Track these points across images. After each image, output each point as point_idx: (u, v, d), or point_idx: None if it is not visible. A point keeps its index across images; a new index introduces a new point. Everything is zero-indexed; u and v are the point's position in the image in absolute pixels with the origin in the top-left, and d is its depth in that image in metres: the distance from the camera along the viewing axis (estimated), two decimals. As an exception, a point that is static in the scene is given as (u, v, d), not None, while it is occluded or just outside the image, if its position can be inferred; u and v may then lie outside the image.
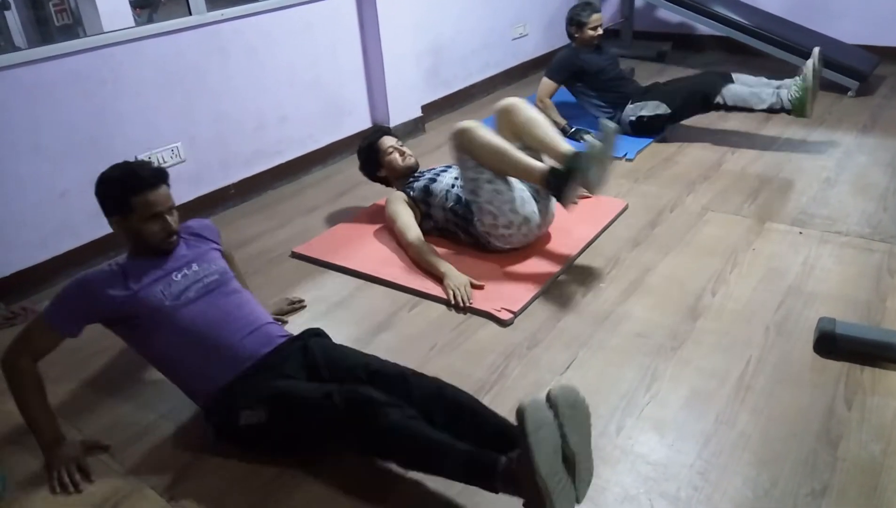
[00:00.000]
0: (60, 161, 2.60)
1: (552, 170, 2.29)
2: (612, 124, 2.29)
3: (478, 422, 1.58)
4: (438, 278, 2.42)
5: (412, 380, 1.67)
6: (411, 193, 2.70)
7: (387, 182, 2.90)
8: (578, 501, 1.42)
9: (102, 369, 2.14)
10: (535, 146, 2.46)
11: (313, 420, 1.60)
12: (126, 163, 1.82)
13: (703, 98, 3.45)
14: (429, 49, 4.11)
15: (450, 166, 2.76)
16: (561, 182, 2.26)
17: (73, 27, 4.06)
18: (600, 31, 3.72)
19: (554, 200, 2.51)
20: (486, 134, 2.37)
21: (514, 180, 2.45)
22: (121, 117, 2.75)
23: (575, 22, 3.71)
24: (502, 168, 2.38)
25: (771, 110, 3.35)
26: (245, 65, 3.17)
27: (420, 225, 2.65)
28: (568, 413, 1.40)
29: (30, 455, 1.78)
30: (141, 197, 1.74)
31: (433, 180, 2.67)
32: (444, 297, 2.34)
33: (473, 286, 2.38)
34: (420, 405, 1.59)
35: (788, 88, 3.28)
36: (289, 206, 3.23)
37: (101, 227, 2.76)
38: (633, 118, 3.59)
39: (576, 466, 1.40)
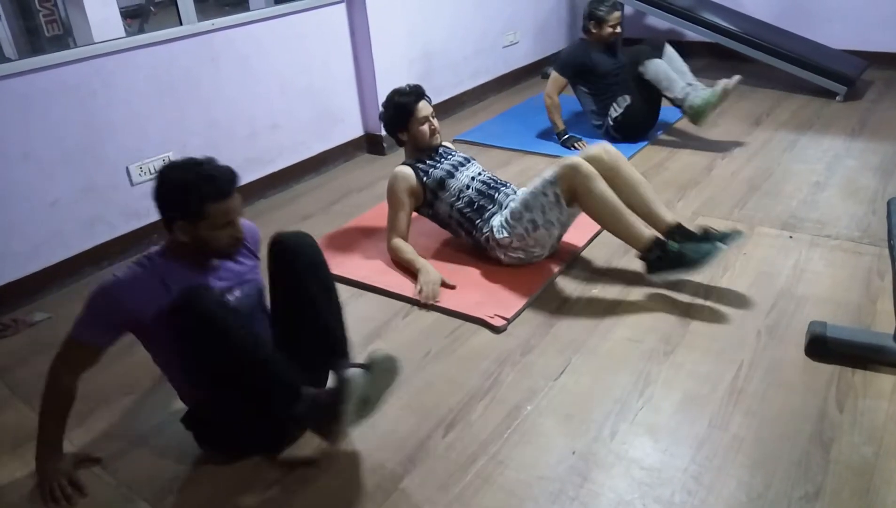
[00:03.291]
0: (51, 171, 2.59)
1: (659, 243, 2.23)
2: (742, 230, 2.26)
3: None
4: (415, 276, 2.45)
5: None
6: (424, 178, 2.59)
7: (401, 144, 2.75)
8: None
9: (94, 381, 2.11)
10: (634, 206, 2.35)
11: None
12: (196, 163, 1.61)
13: (635, 72, 3.47)
14: (420, 56, 4.13)
15: (469, 159, 2.71)
16: (665, 264, 2.22)
17: (64, 38, 4.06)
18: (619, 30, 3.65)
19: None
20: (603, 186, 2.26)
21: (566, 216, 2.39)
22: (112, 126, 2.75)
23: (594, 17, 3.59)
24: (608, 225, 2.31)
25: (673, 102, 3.45)
26: (236, 74, 3.17)
27: (418, 208, 2.64)
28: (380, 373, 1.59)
29: (22, 468, 1.76)
30: (220, 205, 1.59)
31: (450, 175, 2.58)
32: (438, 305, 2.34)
33: (445, 286, 2.39)
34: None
35: (697, 92, 3.37)
36: (281, 214, 3.23)
37: (93, 237, 2.77)
38: (611, 123, 3.62)
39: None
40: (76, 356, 1.63)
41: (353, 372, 1.57)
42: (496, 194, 2.55)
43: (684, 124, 3.72)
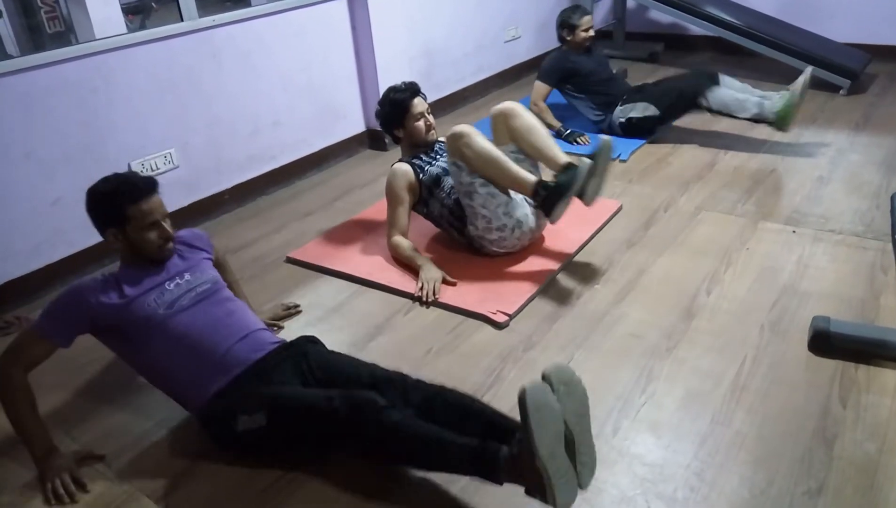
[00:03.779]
0: (53, 169, 2.59)
1: (542, 184, 2.29)
2: (607, 137, 2.29)
3: (480, 418, 1.58)
4: (416, 272, 2.45)
5: (412, 382, 1.69)
6: (421, 174, 2.61)
7: (397, 141, 2.79)
8: (581, 487, 1.42)
9: (96, 378, 2.13)
10: (531, 154, 2.47)
11: (314, 423, 1.60)
12: (115, 175, 1.82)
13: (689, 100, 3.46)
14: (421, 52, 4.12)
15: None
16: (552, 197, 2.27)
17: (66, 34, 4.06)
18: (592, 33, 3.74)
19: None
20: (482, 141, 2.34)
21: (487, 184, 2.42)
22: (113, 124, 2.75)
23: (566, 25, 3.73)
24: (494, 178, 2.37)
25: (754, 120, 3.38)
26: (238, 70, 3.16)
27: (414, 206, 2.65)
28: (563, 390, 1.42)
29: (22, 466, 1.76)
30: (137, 206, 1.75)
31: (446, 172, 2.59)
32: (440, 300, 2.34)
33: (446, 282, 2.40)
34: (421, 406, 1.60)
35: (773, 101, 3.31)
36: (283, 211, 3.23)
37: (94, 235, 2.75)
38: (622, 120, 3.61)
39: (576, 449, 1.40)
40: (29, 348, 1.72)
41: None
42: None
43: (686, 119, 3.68)
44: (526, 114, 2.51)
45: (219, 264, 2.08)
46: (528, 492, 1.43)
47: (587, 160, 2.27)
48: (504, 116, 2.52)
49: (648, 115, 3.53)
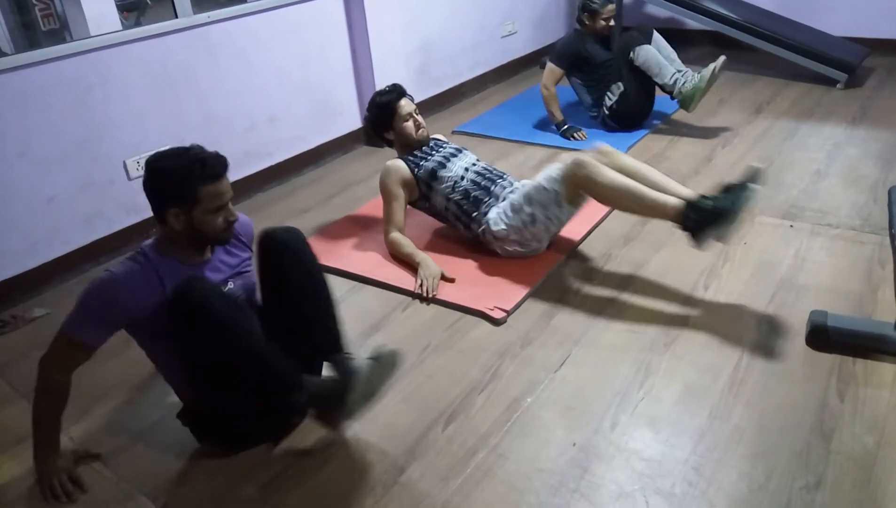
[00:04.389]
0: (48, 166, 2.58)
1: (693, 206, 2.06)
2: (758, 165, 2.14)
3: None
4: (414, 269, 2.45)
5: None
6: (416, 170, 2.59)
7: (390, 144, 2.77)
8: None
9: (93, 376, 2.12)
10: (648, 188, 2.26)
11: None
12: (184, 149, 1.61)
13: (626, 57, 3.49)
14: (418, 48, 4.11)
15: (460, 150, 2.70)
16: (706, 221, 2.02)
17: (60, 31, 4.04)
18: (612, 24, 3.68)
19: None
20: (608, 172, 2.21)
21: (566, 215, 2.40)
22: (109, 121, 2.74)
23: (588, 9, 3.63)
24: (630, 208, 2.23)
25: (663, 89, 3.49)
26: (234, 66, 3.15)
27: (415, 203, 2.64)
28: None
29: (22, 465, 1.76)
30: (212, 187, 1.58)
31: (442, 165, 2.58)
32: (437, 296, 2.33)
33: (445, 279, 2.39)
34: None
35: (686, 79, 3.41)
36: (280, 208, 3.22)
37: (90, 233, 2.77)
38: (607, 112, 3.62)
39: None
40: (67, 353, 1.60)
41: (356, 363, 1.63)
42: (492, 186, 2.54)
43: (683, 114, 3.70)
44: (629, 158, 2.38)
45: None
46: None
47: (752, 186, 2.04)
48: (604, 160, 2.32)
49: (621, 92, 3.55)
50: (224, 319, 1.55)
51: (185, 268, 1.66)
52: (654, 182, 2.26)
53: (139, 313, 1.59)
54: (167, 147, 1.67)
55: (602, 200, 2.28)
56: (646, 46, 3.45)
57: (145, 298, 1.58)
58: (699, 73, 3.40)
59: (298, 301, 1.76)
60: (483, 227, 2.49)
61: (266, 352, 1.60)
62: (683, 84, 3.40)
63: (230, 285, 1.75)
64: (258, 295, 1.85)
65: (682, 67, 3.50)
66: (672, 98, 3.50)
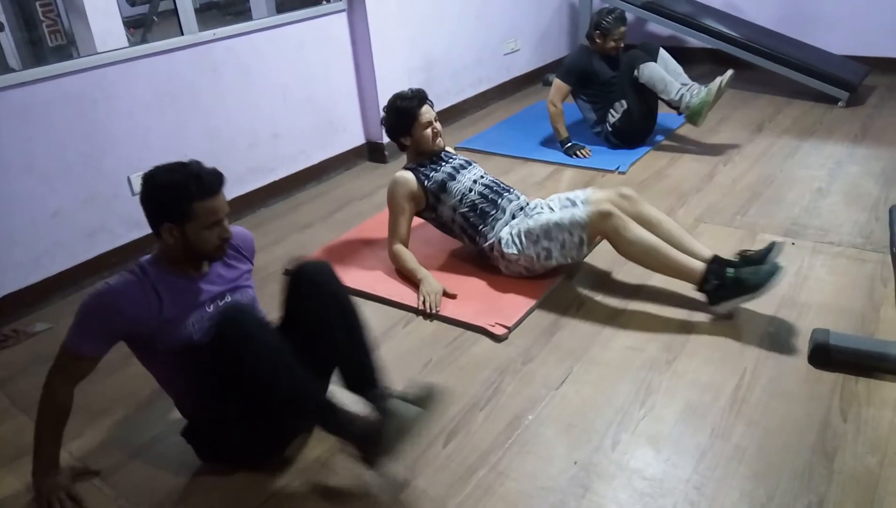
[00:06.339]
0: (53, 181, 2.60)
1: (715, 272, 2.13)
2: (782, 240, 2.19)
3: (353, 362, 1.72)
4: (416, 285, 2.46)
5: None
6: (425, 181, 2.56)
7: (403, 149, 2.72)
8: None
9: (92, 392, 2.11)
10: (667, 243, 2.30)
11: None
12: (181, 164, 1.61)
13: (630, 75, 3.51)
14: (421, 65, 4.14)
15: (470, 163, 2.70)
16: (727, 293, 2.11)
17: (67, 48, 4.09)
18: (621, 45, 3.67)
19: None
20: (635, 228, 2.23)
21: (582, 256, 2.39)
22: (113, 136, 2.76)
23: (600, 28, 3.61)
24: (652, 266, 2.25)
25: (670, 105, 3.51)
26: (238, 83, 3.18)
27: (421, 213, 2.63)
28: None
29: (21, 480, 1.76)
30: (205, 203, 1.58)
31: (452, 177, 2.56)
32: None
33: (447, 295, 2.40)
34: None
35: (692, 93, 3.42)
36: (282, 223, 3.23)
37: (94, 247, 2.78)
38: (610, 129, 3.63)
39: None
40: (71, 366, 1.61)
41: (392, 403, 1.57)
42: (499, 200, 2.54)
43: (685, 130, 3.71)
44: (649, 206, 2.40)
45: None
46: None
47: (779, 264, 2.08)
48: (626, 209, 2.34)
49: (624, 110, 3.55)
50: (268, 349, 1.54)
51: (182, 282, 1.67)
52: (673, 238, 2.30)
53: (137, 324, 1.59)
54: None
55: (625, 254, 2.27)
56: (650, 64, 3.47)
57: (142, 309, 1.59)
58: (706, 87, 3.41)
59: (333, 338, 1.71)
60: (490, 242, 2.49)
61: (300, 371, 1.57)
62: (690, 99, 3.41)
63: (227, 298, 1.74)
64: (261, 310, 1.84)
65: (689, 82, 3.51)
66: (679, 113, 3.51)
